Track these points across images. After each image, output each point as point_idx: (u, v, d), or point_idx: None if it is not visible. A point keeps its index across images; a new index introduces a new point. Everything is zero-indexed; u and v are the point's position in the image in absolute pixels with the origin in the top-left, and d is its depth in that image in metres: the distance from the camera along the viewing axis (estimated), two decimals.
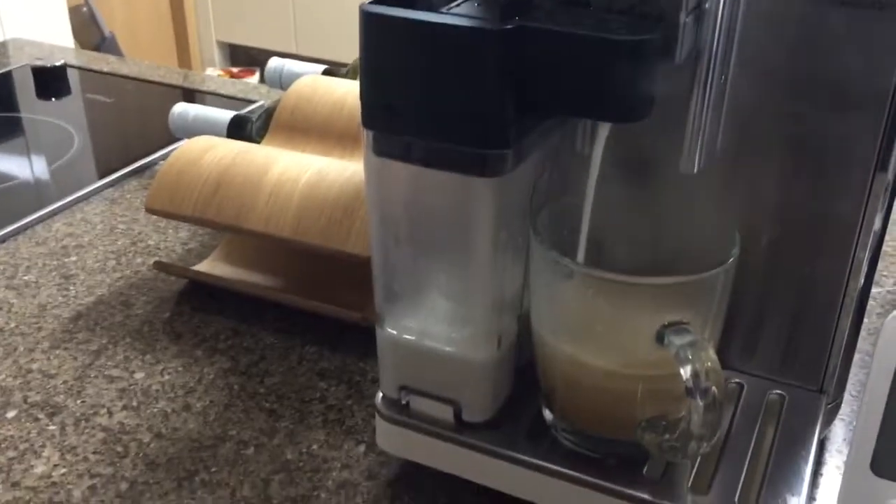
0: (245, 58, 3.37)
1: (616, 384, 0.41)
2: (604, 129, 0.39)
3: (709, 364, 0.37)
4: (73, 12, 2.49)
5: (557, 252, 0.40)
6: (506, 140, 0.38)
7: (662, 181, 0.44)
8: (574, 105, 0.37)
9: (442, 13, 0.37)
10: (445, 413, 0.45)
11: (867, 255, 0.45)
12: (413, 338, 0.45)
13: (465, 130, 0.38)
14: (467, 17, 0.37)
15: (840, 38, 0.41)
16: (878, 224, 0.44)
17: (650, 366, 0.40)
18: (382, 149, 0.40)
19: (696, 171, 0.42)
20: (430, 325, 0.45)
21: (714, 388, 0.37)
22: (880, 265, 0.70)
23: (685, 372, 0.37)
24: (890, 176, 0.43)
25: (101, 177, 0.81)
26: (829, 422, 0.50)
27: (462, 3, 0.39)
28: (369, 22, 0.38)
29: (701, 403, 0.37)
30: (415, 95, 0.38)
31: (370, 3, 0.38)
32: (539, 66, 0.36)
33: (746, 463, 0.44)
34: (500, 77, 0.36)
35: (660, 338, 0.38)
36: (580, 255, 0.42)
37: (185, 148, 0.63)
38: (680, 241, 0.43)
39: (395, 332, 0.45)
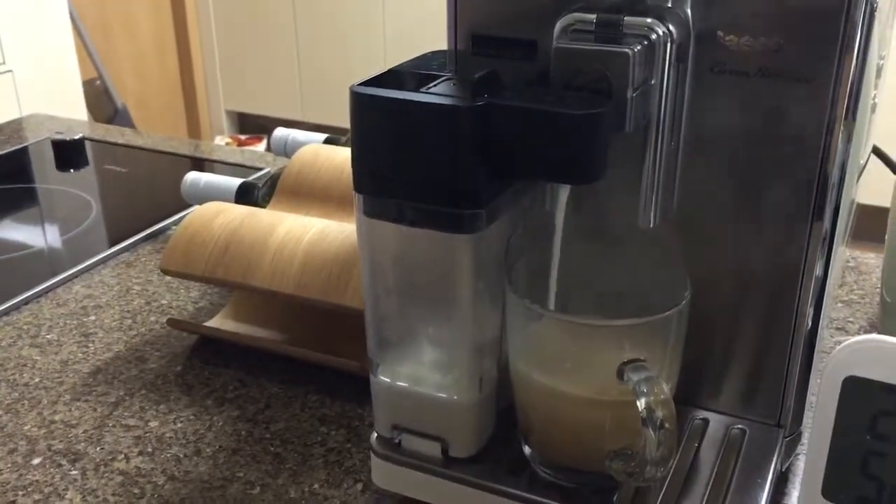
0: (253, 125, 3.47)
1: (585, 414, 0.46)
2: (564, 190, 0.44)
3: (662, 397, 0.42)
4: (87, 85, 2.59)
5: (529, 300, 0.45)
6: (479, 201, 0.43)
7: (624, 235, 0.49)
8: (536, 170, 0.43)
9: (421, 92, 0.43)
10: (434, 450, 0.50)
11: (811, 299, 0.49)
12: (403, 382, 0.50)
13: (444, 193, 0.43)
14: (443, 96, 0.43)
15: (777, 105, 0.46)
16: (819, 270, 0.49)
17: (615, 395, 0.44)
18: (372, 210, 0.45)
19: (652, 225, 0.47)
20: (418, 369, 0.49)
21: (665, 418, 0.41)
22: (846, 311, 0.74)
23: (640, 404, 0.42)
24: (827, 224, 0.48)
25: (117, 242, 0.86)
26: (789, 453, 0.54)
27: (439, 83, 0.44)
28: (359, 101, 0.43)
29: (653, 433, 0.41)
30: (399, 163, 0.44)
31: (359, 84, 0.44)
32: (505, 137, 0.42)
33: (709, 489, 0.48)
34: (472, 147, 0.42)
35: (620, 374, 0.43)
36: (550, 302, 0.46)
37: (197, 213, 0.68)
38: (640, 288, 0.48)
39: (387, 377, 0.50)
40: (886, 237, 0.70)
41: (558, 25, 0.45)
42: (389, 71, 0.46)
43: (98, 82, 2.84)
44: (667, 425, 0.41)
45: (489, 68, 0.44)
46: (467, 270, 0.45)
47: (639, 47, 0.43)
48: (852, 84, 0.44)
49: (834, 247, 0.49)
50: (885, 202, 0.72)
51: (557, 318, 0.45)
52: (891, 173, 0.72)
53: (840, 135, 0.45)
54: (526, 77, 0.46)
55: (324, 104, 3.19)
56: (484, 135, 0.42)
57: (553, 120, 0.41)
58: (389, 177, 0.44)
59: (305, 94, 3.25)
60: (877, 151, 0.73)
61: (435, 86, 0.44)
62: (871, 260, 0.83)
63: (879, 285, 0.77)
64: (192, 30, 3.27)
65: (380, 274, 0.48)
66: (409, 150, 0.43)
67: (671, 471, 0.49)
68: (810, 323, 0.50)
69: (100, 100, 2.86)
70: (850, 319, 0.73)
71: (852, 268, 0.82)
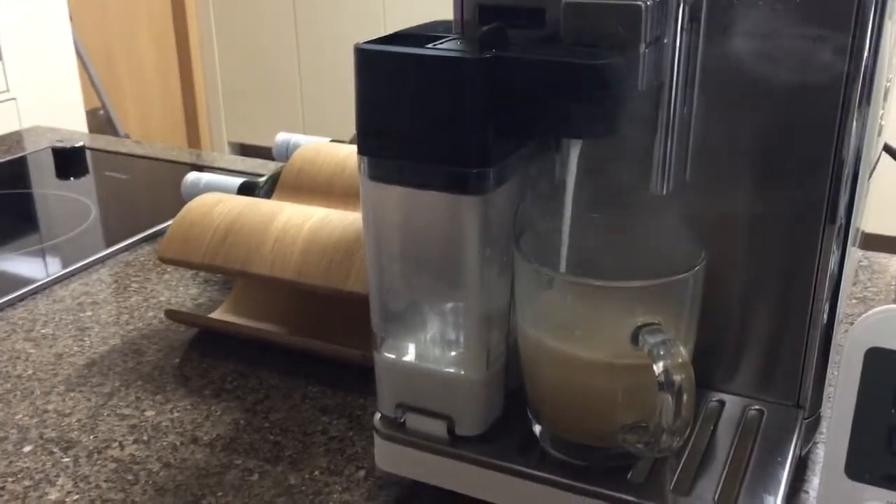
0: (255, 156, 3.47)
1: (598, 380, 0.44)
2: (575, 147, 0.43)
3: (680, 360, 0.40)
4: (90, 115, 2.59)
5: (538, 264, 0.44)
6: (487, 159, 0.42)
7: (636, 203, 0.47)
8: (545, 125, 0.41)
9: (427, 48, 0.42)
10: (440, 429, 0.48)
11: (828, 285, 0.48)
12: (408, 357, 0.48)
13: (451, 152, 0.42)
14: (449, 50, 0.41)
15: (792, 68, 0.45)
16: (833, 266, 0.47)
17: (629, 359, 0.42)
18: (377, 173, 0.44)
19: (664, 193, 0.46)
20: (423, 343, 0.48)
21: (684, 382, 0.39)
22: (861, 308, 0.73)
23: (657, 368, 0.40)
24: (841, 221, 0.46)
25: (116, 243, 0.85)
26: (809, 438, 0.52)
27: (445, 41, 0.43)
28: (364, 58, 0.42)
29: (671, 398, 0.39)
30: (405, 121, 0.42)
31: (364, 42, 0.43)
32: (513, 91, 0.40)
33: (726, 468, 0.46)
34: (479, 101, 0.40)
35: (634, 338, 0.41)
36: (561, 265, 0.45)
37: (196, 202, 0.67)
38: (653, 257, 0.46)
39: (392, 353, 0.48)
40: None
41: None
42: (394, 34, 0.45)
43: (101, 112, 2.84)
44: (685, 390, 0.39)
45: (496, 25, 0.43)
46: (474, 235, 0.43)
47: (650, 2, 0.42)
48: (871, 41, 0.43)
49: (852, 220, 0.47)
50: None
51: (571, 281, 0.43)
52: None
53: (858, 90, 0.44)
54: (534, 38, 0.44)
55: (327, 135, 3.19)
56: (491, 89, 0.40)
57: (562, 71, 0.40)
58: (395, 136, 0.43)
59: (308, 125, 3.25)
60: (887, 149, 0.72)
61: (441, 43, 0.43)
62: (884, 259, 0.81)
63: (894, 283, 0.76)
64: (196, 60, 3.29)
65: (385, 242, 0.46)
66: (415, 106, 0.42)
67: (690, 445, 0.47)
68: (826, 318, 0.49)
69: (103, 130, 2.86)
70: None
71: (865, 267, 0.80)
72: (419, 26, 0.47)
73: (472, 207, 0.43)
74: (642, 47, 0.42)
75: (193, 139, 3.39)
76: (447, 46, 0.42)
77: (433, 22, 0.49)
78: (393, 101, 0.42)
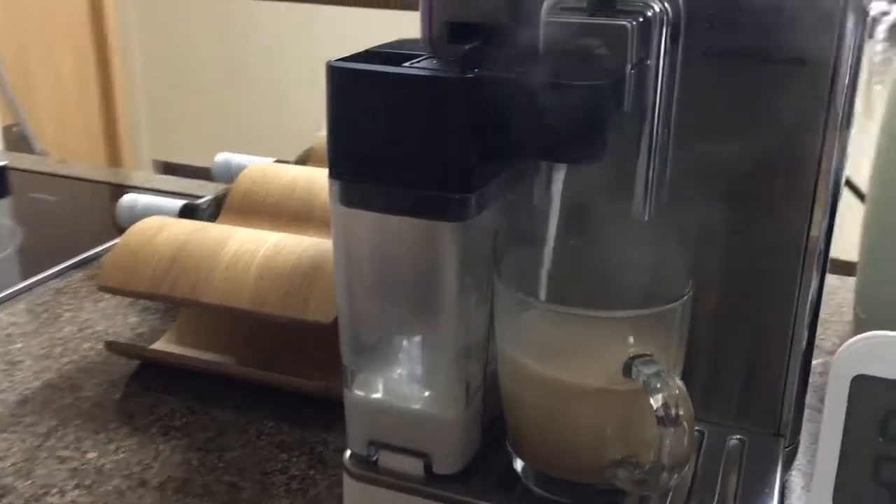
0: (182, 176, 3.37)
1: (583, 408, 0.42)
2: (559, 172, 0.41)
3: (677, 392, 0.38)
4: (5, 131, 2.49)
5: (522, 293, 0.41)
6: (468, 184, 0.39)
7: (618, 228, 0.46)
8: (532, 149, 0.39)
9: (405, 66, 0.39)
10: (415, 467, 0.45)
11: (808, 312, 0.47)
12: (381, 391, 0.45)
13: (430, 176, 0.39)
14: (431, 69, 0.39)
15: (771, 96, 0.44)
16: (812, 291, 0.47)
17: (617, 385, 0.40)
18: (350, 198, 0.41)
19: (646, 218, 0.44)
20: (397, 377, 0.45)
21: (684, 415, 0.38)
22: (821, 329, 0.73)
23: (655, 401, 0.38)
24: (821, 245, 0.46)
25: (45, 269, 0.80)
26: (787, 465, 0.51)
27: (422, 60, 0.41)
28: (338, 77, 0.40)
29: (672, 431, 0.38)
30: (381, 145, 0.40)
31: (338, 60, 0.40)
32: (498, 113, 0.38)
33: (715, 501, 0.45)
34: (461, 123, 0.38)
35: (627, 369, 0.39)
36: (542, 293, 0.43)
37: (139, 227, 0.63)
38: (635, 283, 0.45)
39: (363, 387, 0.45)
40: (859, 254, 0.68)
41: (546, 3, 0.42)
42: (366, 51, 0.43)
43: (16, 128, 2.73)
44: (685, 423, 0.38)
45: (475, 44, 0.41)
46: (454, 261, 0.41)
47: (635, 22, 0.40)
48: (851, 63, 0.42)
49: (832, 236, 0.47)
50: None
51: (557, 311, 0.41)
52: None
53: (840, 113, 0.43)
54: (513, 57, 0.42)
55: (254, 148, 3.13)
56: (475, 110, 0.38)
57: (546, 92, 0.38)
58: (371, 159, 0.40)
59: (234, 138, 3.18)
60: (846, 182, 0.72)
61: (418, 62, 0.41)
62: (834, 281, 0.82)
63: (851, 304, 0.76)
64: (116, 72, 3.18)
65: (357, 270, 0.43)
66: (393, 128, 0.39)
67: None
68: (805, 342, 0.48)
69: (19, 147, 2.75)
70: (822, 337, 0.71)
71: None
72: (389, 44, 0.45)
73: (453, 234, 0.40)
74: (628, 68, 0.40)
75: (114, 157, 3.28)
76: (426, 65, 0.40)
77: (400, 40, 0.47)
78: (370, 122, 0.40)
